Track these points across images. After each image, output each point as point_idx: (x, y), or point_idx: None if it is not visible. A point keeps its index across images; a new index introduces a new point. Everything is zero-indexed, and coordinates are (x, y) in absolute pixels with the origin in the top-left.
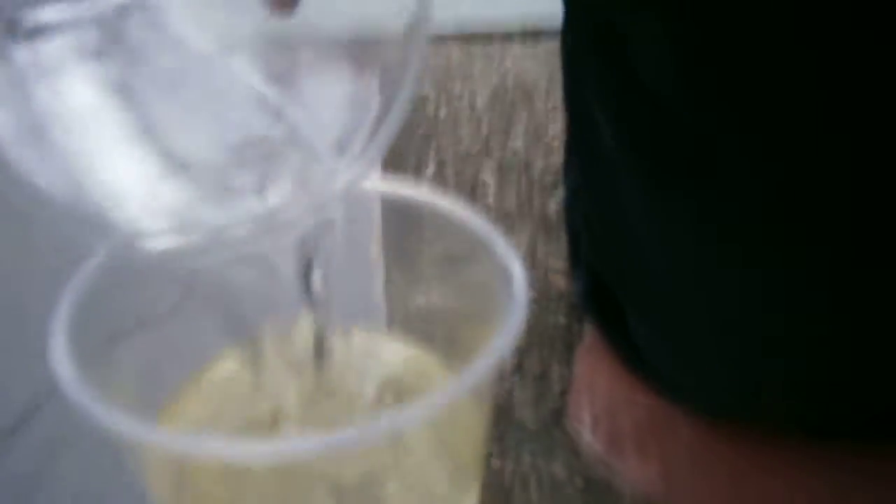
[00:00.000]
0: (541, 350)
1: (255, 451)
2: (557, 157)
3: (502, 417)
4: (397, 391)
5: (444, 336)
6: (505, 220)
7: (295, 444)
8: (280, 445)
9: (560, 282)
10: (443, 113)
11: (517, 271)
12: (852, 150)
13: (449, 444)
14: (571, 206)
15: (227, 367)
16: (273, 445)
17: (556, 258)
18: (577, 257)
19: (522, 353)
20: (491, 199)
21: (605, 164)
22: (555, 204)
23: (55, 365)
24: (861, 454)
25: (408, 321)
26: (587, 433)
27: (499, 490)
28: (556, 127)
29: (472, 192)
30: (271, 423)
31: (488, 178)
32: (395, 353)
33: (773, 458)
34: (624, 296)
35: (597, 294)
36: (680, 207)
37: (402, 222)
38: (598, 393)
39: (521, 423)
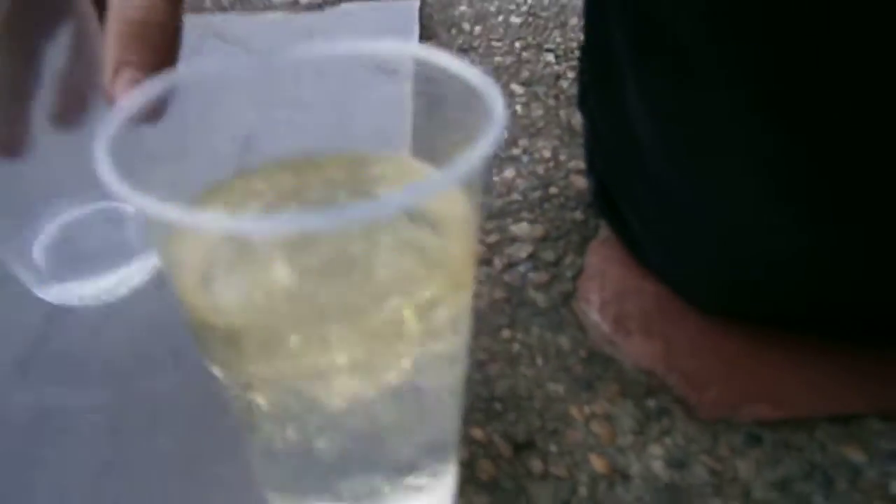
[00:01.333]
0: (556, 241)
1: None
2: None
3: (514, 296)
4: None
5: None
6: (530, 127)
7: (296, 218)
8: (285, 219)
9: (580, 182)
10: (478, 29)
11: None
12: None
13: (443, 231)
14: (582, 107)
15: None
16: (282, 219)
17: (578, 161)
18: (591, 160)
19: (538, 242)
20: (519, 108)
21: (611, 63)
22: (579, 116)
23: (103, 174)
24: (858, 355)
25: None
26: (594, 314)
27: (507, 358)
28: None
29: None
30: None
31: (518, 89)
32: (416, 167)
33: (773, 347)
34: (620, 196)
35: (604, 195)
36: (667, 98)
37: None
38: (608, 279)
39: (532, 302)
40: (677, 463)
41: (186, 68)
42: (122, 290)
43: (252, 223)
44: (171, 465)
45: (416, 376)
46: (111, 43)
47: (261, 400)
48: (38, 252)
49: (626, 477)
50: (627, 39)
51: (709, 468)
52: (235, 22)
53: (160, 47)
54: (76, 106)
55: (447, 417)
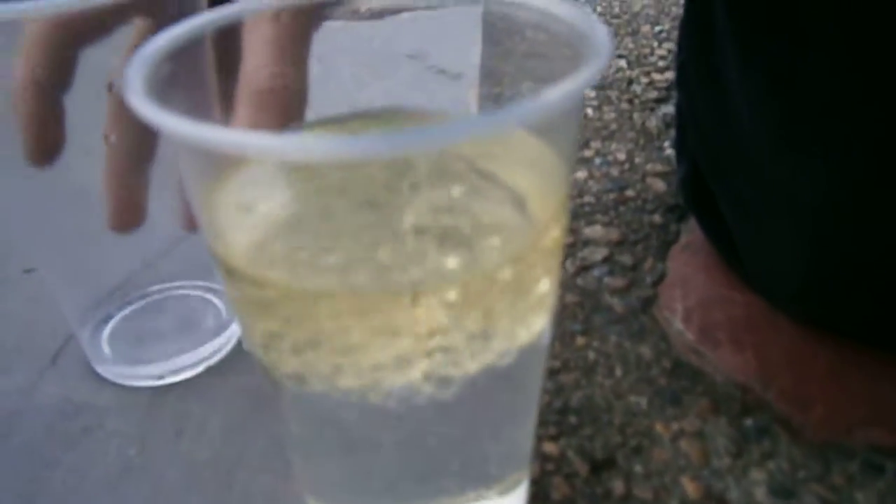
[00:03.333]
0: (634, 245)
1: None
2: (661, 77)
3: (589, 301)
4: None
5: None
6: (603, 130)
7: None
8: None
9: (658, 184)
10: (542, 37)
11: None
12: None
13: (529, 187)
14: (680, 84)
15: None
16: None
17: (655, 163)
18: (682, 146)
19: (614, 246)
20: (590, 111)
21: (714, 42)
22: (656, 119)
23: (132, 97)
24: None
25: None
26: (678, 322)
27: (582, 367)
28: (660, 51)
29: None
30: None
31: (589, 92)
32: None
33: (877, 360)
34: (718, 181)
35: (695, 181)
36: (772, 81)
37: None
38: (692, 286)
39: (608, 308)
40: (784, 491)
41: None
42: (200, 369)
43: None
44: (198, 472)
45: (503, 362)
46: (244, 111)
47: (309, 389)
48: (105, 342)
49: (723, 503)
50: (729, 7)
51: (821, 498)
52: None
53: (290, 111)
54: None
55: (526, 421)
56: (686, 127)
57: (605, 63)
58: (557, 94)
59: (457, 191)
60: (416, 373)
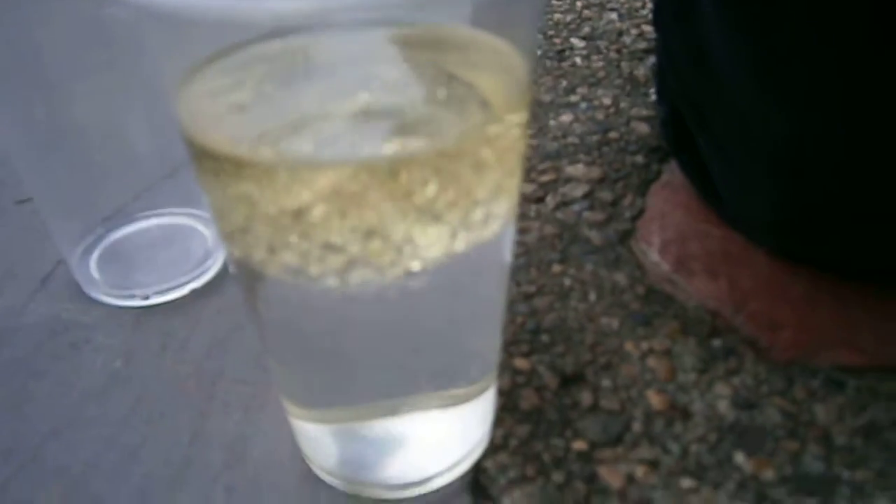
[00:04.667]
0: (614, 183)
1: None
2: (651, 29)
3: (567, 233)
4: None
5: None
6: (590, 78)
7: None
8: None
9: (642, 127)
10: None
11: None
12: None
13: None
14: (657, 24)
15: None
16: None
17: (640, 108)
18: (662, 87)
19: (595, 183)
20: (578, 60)
21: None
22: (644, 68)
23: None
24: None
25: None
26: (654, 253)
27: (557, 292)
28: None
29: (560, 54)
30: None
31: (578, 42)
32: None
33: (851, 289)
34: (695, 119)
35: (675, 122)
36: (745, 18)
37: None
38: (670, 220)
39: (586, 239)
40: (746, 403)
41: None
42: (185, 291)
43: None
44: (181, 383)
45: (469, 251)
46: None
47: (275, 274)
48: (93, 265)
49: (686, 414)
50: None
51: (782, 410)
52: None
53: None
54: None
55: (491, 324)
56: (664, 68)
57: None
58: None
59: (422, 78)
60: (378, 258)
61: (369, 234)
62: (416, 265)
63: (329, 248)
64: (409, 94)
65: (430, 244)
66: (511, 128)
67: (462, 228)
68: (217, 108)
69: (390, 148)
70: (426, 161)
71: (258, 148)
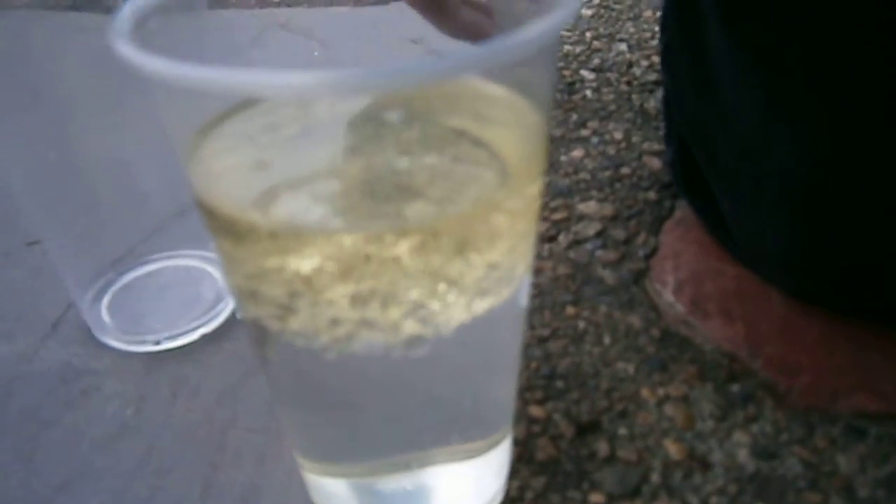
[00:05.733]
0: (627, 221)
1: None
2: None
3: (580, 273)
4: None
5: None
6: (601, 111)
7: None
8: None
9: (654, 162)
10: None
11: None
12: None
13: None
14: (665, 63)
15: None
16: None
17: (652, 142)
18: (670, 127)
19: (607, 221)
20: (588, 93)
21: (698, 20)
22: (654, 101)
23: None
24: None
25: None
26: (669, 294)
27: (571, 335)
28: None
29: (570, 87)
30: None
31: (588, 74)
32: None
33: (867, 331)
34: (705, 158)
35: (684, 161)
36: (756, 57)
37: None
38: (684, 260)
39: (600, 280)
40: (766, 453)
41: None
42: (196, 336)
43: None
44: (192, 432)
45: (477, 315)
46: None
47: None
48: (104, 309)
49: (706, 465)
50: None
51: (803, 460)
52: (301, 15)
53: None
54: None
55: (506, 380)
56: (672, 107)
57: (570, 13)
58: (515, 39)
59: (433, 147)
60: (390, 325)
61: (378, 298)
62: (430, 331)
63: (338, 314)
64: (423, 156)
65: (444, 309)
66: (527, 189)
67: (477, 293)
68: (227, 169)
69: (400, 214)
70: (438, 227)
71: (267, 212)
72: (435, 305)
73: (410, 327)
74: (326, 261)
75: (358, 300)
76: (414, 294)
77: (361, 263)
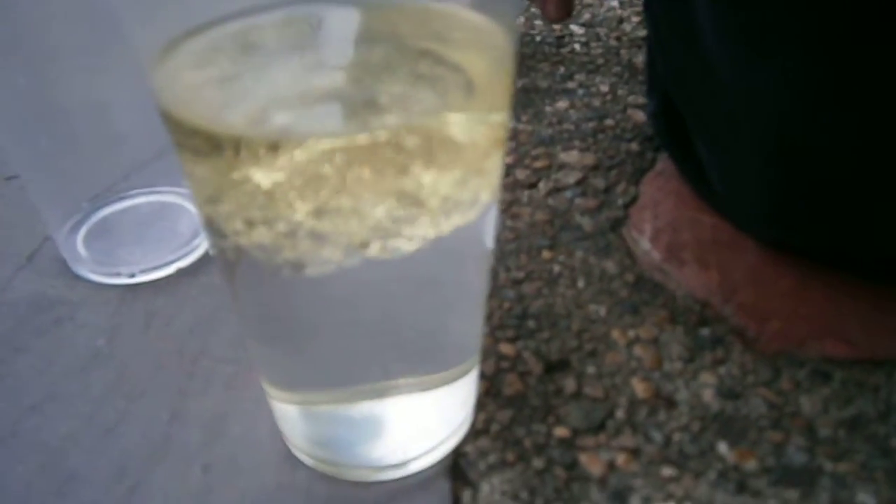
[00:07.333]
0: (608, 171)
1: None
2: None
3: (558, 219)
4: None
5: None
6: (589, 65)
7: None
8: None
9: (638, 115)
10: None
11: None
12: None
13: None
14: (646, 9)
15: None
16: None
17: (638, 96)
18: (653, 77)
19: (588, 170)
20: (577, 46)
21: None
22: (643, 56)
23: None
24: None
25: None
26: (646, 241)
27: (545, 278)
28: None
29: (559, 40)
30: None
31: (578, 29)
32: None
33: (841, 280)
34: (686, 104)
35: (667, 113)
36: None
37: None
38: (662, 209)
39: (577, 226)
40: (731, 394)
41: None
42: (171, 270)
43: None
44: (163, 361)
45: (448, 234)
46: None
47: (249, 252)
48: (80, 242)
49: (671, 403)
50: None
51: (767, 401)
52: None
53: None
54: None
55: (471, 309)
56: (655, 58)
57: None
58: None
59: (399, 64)
60: (354, 242)
61: (343, 213)
62: (392, 247)
63: (302, 227)
64: (389, 72)
65: (407, 225)
66: (492, 108)
67: (440, 211)
68: (193, 82)
69: (365, 125)
70: (401, 139)
71: (233, 122)
72: (397, 223)
73: (373, 245)
74: (289, 173)
75: (320, 214)
76: (377, 210)
77: (324, 176)
